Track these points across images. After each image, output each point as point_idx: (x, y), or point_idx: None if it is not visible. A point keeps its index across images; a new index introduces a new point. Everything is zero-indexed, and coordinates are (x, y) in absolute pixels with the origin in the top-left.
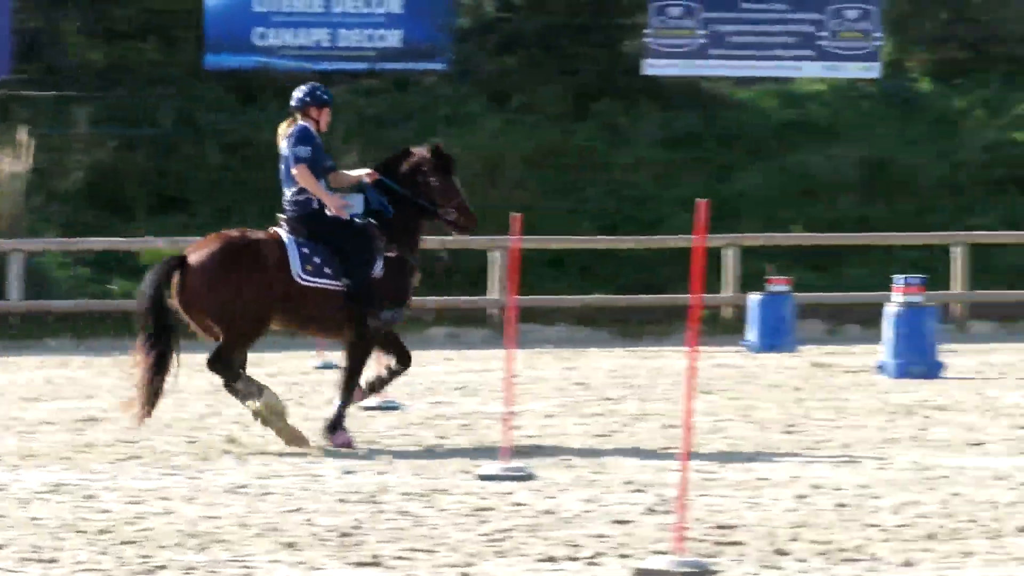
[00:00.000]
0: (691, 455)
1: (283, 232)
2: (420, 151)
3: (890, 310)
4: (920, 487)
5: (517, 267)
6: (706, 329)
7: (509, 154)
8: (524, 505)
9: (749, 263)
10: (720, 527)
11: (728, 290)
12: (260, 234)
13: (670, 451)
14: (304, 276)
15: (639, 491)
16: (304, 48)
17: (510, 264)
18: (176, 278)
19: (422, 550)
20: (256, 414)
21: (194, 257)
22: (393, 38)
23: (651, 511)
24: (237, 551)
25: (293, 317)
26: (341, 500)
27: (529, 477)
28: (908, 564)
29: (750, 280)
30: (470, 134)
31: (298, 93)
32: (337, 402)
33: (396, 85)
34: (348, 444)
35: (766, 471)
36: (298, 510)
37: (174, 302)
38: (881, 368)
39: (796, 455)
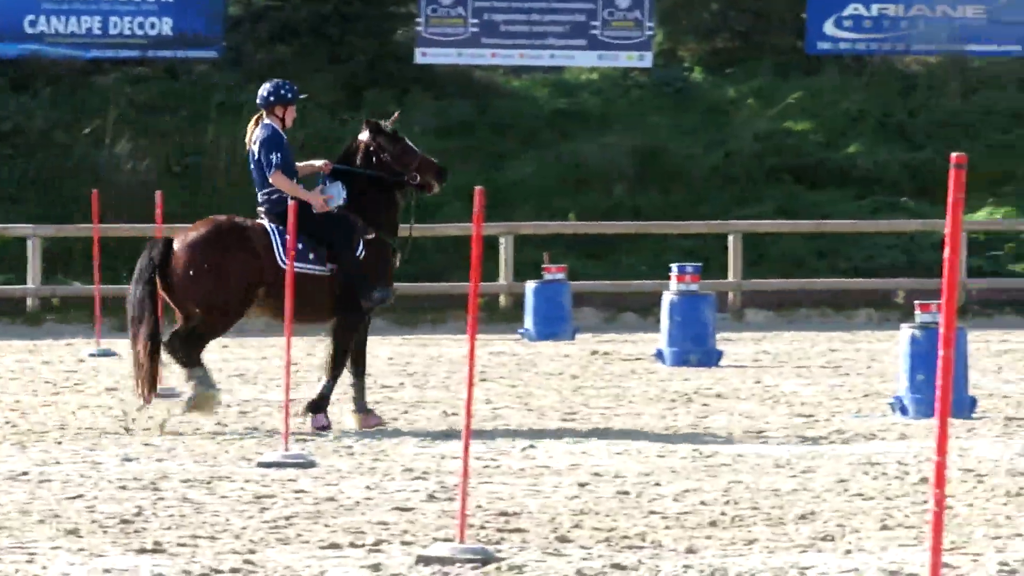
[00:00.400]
0: (471, 442)
1: (266, 222)
2: (362, 135)
3: (667, 298)
4: (701, 475)
5: (293, 255)
6: (483, 317)
7: None
8: (305, 492)
9: (524, 251)
10: (502, 514)
11: (504, 278)
12: (247, 221)
13: (450, 438)
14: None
15: (420, 478)
16: (75, 35)
17: (288, 252)
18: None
19: (204, 537)
20: (191, 401)
21: (181, 239)
22: (164, 26)
23: (432, 498)
24: (19, 538)
25: (276, 303)
26: (122, 487)
27: (310, 464)
28: (691, 551)
29: (526, 268)
30: (243, 123)
31: (263, 91)
32: (323, 382)
33: (167, 73)
34: (325, 427)
35: (546, 459)
36: (79, 497)
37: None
38: (659, 356)
39: (576, 443)
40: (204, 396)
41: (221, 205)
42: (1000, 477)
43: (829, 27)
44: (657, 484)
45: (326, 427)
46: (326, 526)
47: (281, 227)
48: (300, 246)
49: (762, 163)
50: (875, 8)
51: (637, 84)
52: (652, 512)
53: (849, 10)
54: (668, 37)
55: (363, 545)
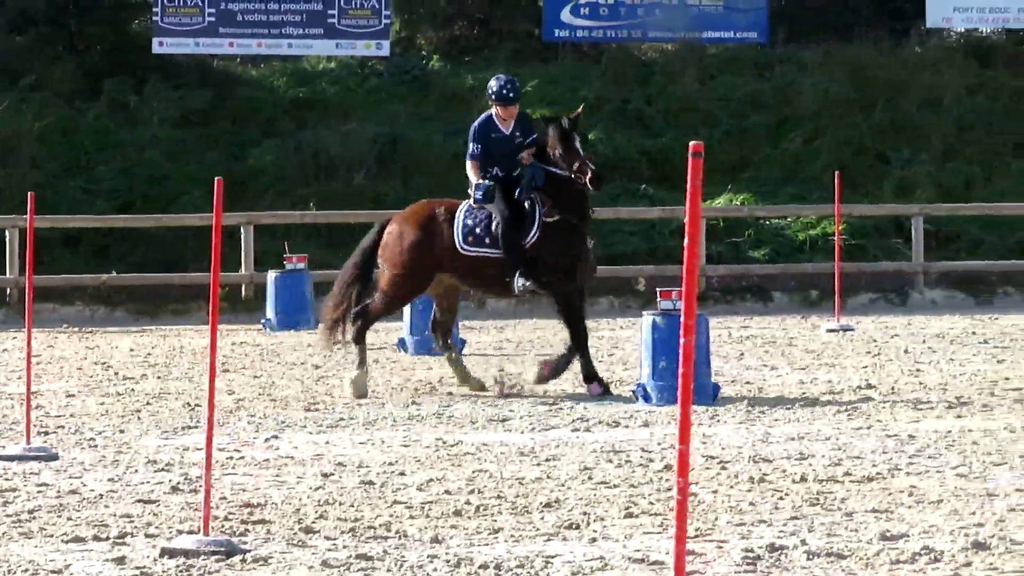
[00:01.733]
0: (214, 434)
1: (465, 203)
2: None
3: None
4: (445, 464)
5: (32, 246)
6: (225, 307)
7: (20, 133)
8: (48, 485)
9: (266, 241)
10: (246, 505)
11: (245, 268)
12: (443, 208)
13: (193, 429)
14: (465, 247)
15: (163, 470)
16: None
17: (27, 243)
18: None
19: None
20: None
21: (391, 222)
22: None
23: (176, 490)
24: None
25: (462, 278)
26: None
27: (53, 457)
28: (436, 540)
29: (267, 258)
30: None
31: (489, 86)
32: (579, 359)
33: None
34: (603, 392)
35: (290, 449)
36: None
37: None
38: (401, 345)
39: (320, 433)
40: (359, 376)
41: None
42: (743, 464)
43: (566, 15)
44: (401, 474)
45: (604, 392)
46: (69, 519)
47: (468, 211)
48: (478, 231)
49: None
50: None
51: (375, 72)
52: (397, 502)
53: None
54: (406, 25)
55: (107, 538)
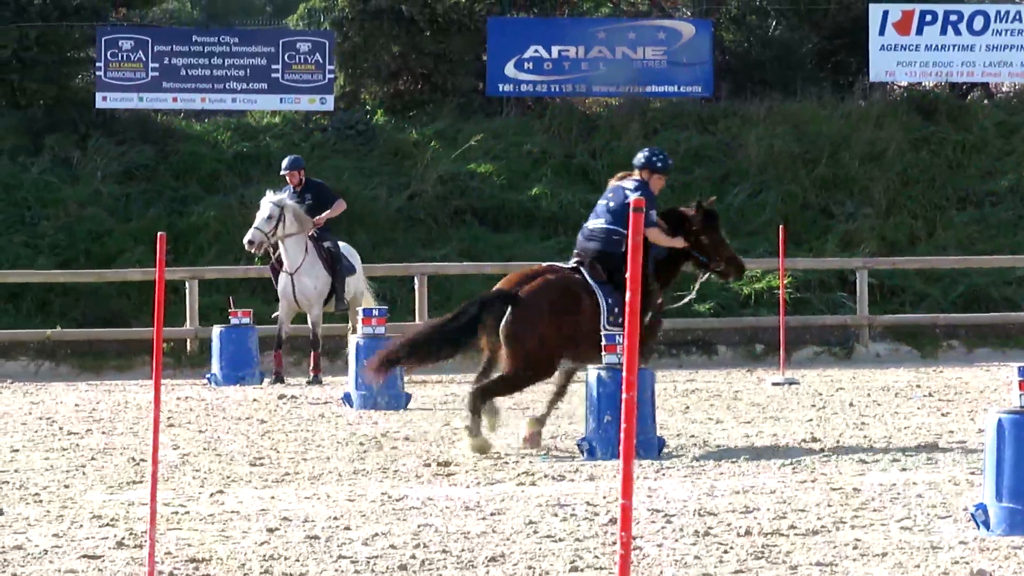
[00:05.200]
0: (159, 489)
1: (585, 273)
2: (688, 210)
3: (354, 341)
4: (391, 518)
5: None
6: (170, 362)
7: None
8: None
9: (209, 295)
10: (191, 560)
11: (190, 323)
12: (575, 277)
13: (138, 484)
14: (608, 327)
15: (109, 525)
16: None
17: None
18: (508, 312)
19: None
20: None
21: (525, 294)
22: None
23: (122, 545)
24: None
25: (587, 357)
26: None
27: None
28: None
29: (212, 313)
30: None
31: (639, 154)
32: None
33: None
34: None
35: (235, 504)
36: None
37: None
38: (346, 400)
39: (265, 488)
40: (476, 443)
41: None
42: (688, 517)
43: (510, 69)
44: (347, 528)
45: None
46: (14, 575)
47: (605, 286)
48: (616, 310)
49: (446, 205)
50: (555, 50)
51: (320, 127)
52: (342, 557)
53: (530, 52)
54: (350, 80)
55: None
